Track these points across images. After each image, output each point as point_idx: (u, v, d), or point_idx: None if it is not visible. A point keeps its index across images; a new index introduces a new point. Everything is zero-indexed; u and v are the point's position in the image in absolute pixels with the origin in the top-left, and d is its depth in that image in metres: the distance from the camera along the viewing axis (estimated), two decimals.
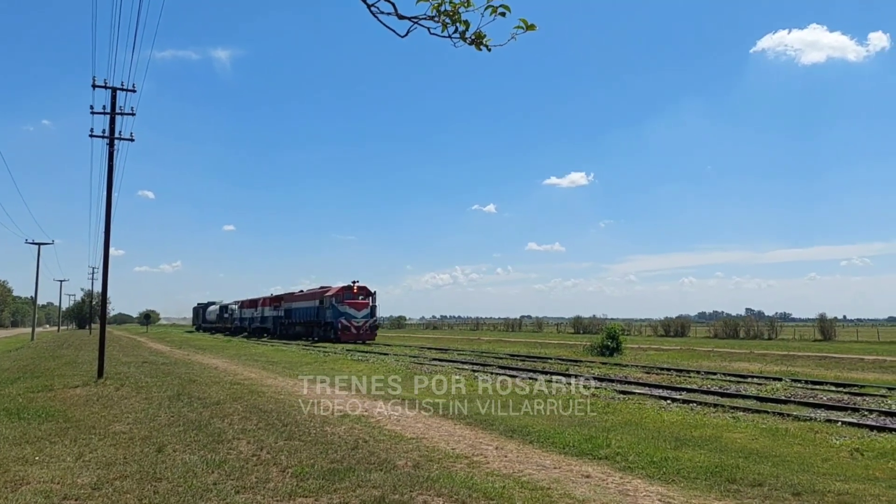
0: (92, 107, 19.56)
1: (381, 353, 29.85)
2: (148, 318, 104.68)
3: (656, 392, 15.23)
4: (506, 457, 8.32)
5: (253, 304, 68.07)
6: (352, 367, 22.22)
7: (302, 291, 55.86)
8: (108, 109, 19.56)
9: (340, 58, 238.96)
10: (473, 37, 3.83)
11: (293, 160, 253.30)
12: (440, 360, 25.75)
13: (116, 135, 19.69)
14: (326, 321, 46.09)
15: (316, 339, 47.43)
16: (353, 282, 46.42)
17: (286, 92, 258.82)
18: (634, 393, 14.84)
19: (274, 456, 8.28)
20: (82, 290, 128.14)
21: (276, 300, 60.44)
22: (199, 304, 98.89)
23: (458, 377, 18.24)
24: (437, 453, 8.44)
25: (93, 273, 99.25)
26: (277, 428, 10.30)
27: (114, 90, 19.47)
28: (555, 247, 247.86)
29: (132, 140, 20.17)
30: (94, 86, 19.27)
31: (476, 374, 19.64)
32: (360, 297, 45.78)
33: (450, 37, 3.83)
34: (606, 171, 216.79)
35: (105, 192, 19.66)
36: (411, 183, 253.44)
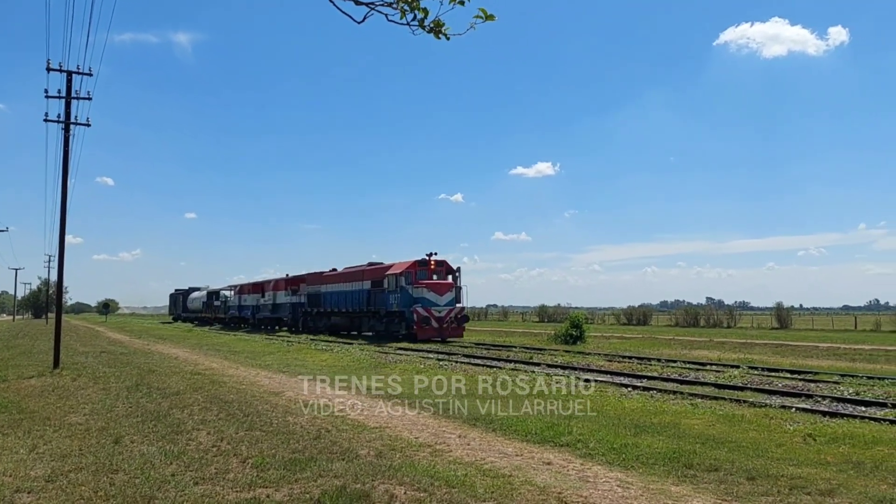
0: (47, 90, 19.03)
1: (346, 343, 29.71)
2: (107, 307, 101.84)
3: (618, 380, 15.43)
4: (469, 445, 8.36)
5: (258, 288, 53.33)
6: (316, 358, 22.09)
7: (335, 270, 41.72)
8: (64, 93, 19.03)
9: (305, 44, 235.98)
10: (432, 25, 3.81)
11: (256, 147, 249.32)
12: (406, 350, 25.74)
13: (72, 119, 19.18)
14: (391, 311, 32.65)
15: (369, 334, 35.17)
16: (430, 254, 32.59)
17: (249, 78, 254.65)
18: (596, 381, 15.02)
19: (234, 447, 8.19)
20: (39, 278, 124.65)
21: (293, 282, 46.62)
22: (177, 290, 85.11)
23: (422, 366, 18.26)
24: (400, 442, 8.45)
25: (49, 261, 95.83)
26: (238, 418, 10.20)
27: (69, 73, 18.95)
28: (521, 236, 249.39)
29: (88, 125, 19.70)
30: (48, 69, 18.73)
31: (441, 363, 19.68)
32: (440, 276, 32.54)
33: (408, 24, 3.80)
34: (573, 161, 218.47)
35: (61, 179, 19.18)
36: (378, 171, 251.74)
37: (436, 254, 32.42)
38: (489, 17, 3.71)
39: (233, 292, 60.29)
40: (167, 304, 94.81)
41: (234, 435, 8.92)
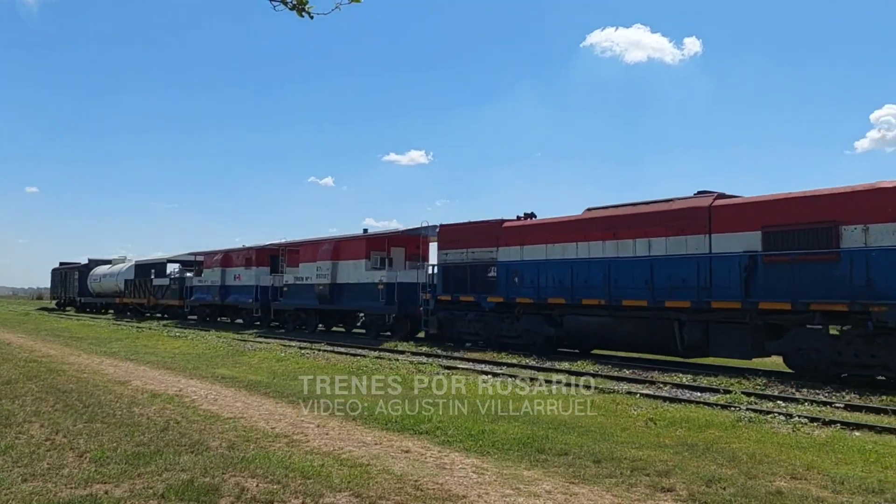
0: None
1: (202, 330, 28.45)
2: None
3: (479, 367, 15.78)
4: (327, 434, 8.22)
5: (261, 256, 31.55)
6: (168, 345, 20.99)
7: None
8: None
9: (162, 6, 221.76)
10: (295, 2, 3.69)
11: (105, 110, 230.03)
12: (267, 337, 25.02)
13: None
14: None
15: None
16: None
17: (98, 34, 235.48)
18: (459, 368, 15.29)
19: (71, 440, 7.61)
20: None
21: (375, 243, 25.21)
22: (64, 264, 59.67)
23: (282, 354, 17.81)
24: (256, 433, 8.17)
25: None
26: (77, 409, 9.49)
27: None
28: (392, 223, 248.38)
29: None
30: None
31: (303, 350, 19.29)
32: None
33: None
34: (445, 150, 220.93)
35: None
36: (241, 147, 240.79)
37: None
38: (354, 0, 3.64)
39: (199, 268, 36.72)
40: (30, 285, 74.62)
41: (72, 427, 8.29)
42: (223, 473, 6.30)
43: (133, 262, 45.64)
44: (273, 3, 3.66)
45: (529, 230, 19.35)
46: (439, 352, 18.93)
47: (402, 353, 19.08)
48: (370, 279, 24.31)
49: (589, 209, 18.34)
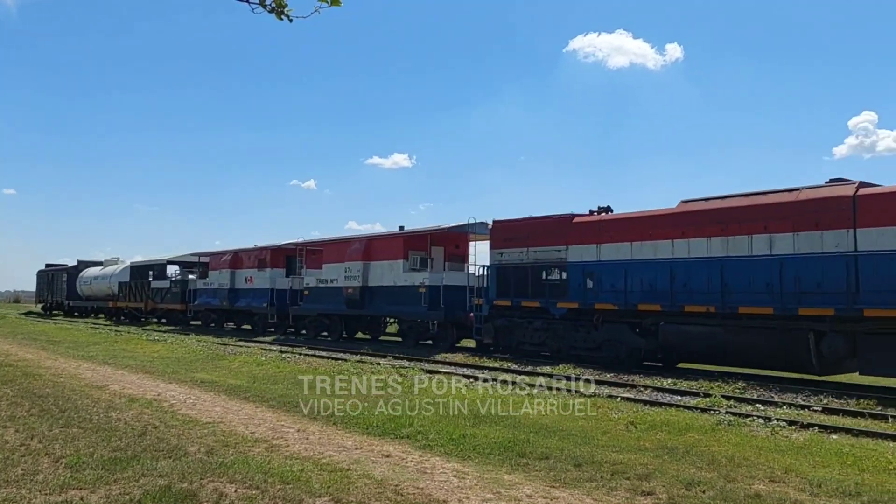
0: None
1: (182, 334, 28.18)
2: None
3: (461, 371, 15.77)
4: (307, 439, 8.17)
5: (276, 257, 29.43)
6: (147, 349, 20.78)
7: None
8: None
9: (145, 4, 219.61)
10: (274, 4, 3.67)
11: (85, 110, 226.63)
12: (246, 340, 24.86)
13: None
14: None
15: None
16: None
17: (79, 32, 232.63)
18: (440, 372, 15.26)
19: (46, 445, 7.51)
20: None
21: (414, 241, 22.69)
22: (49, 265, 56.58)
23: (263, 358, 17.69)
24: (235, 438, 8.10)
25: None
26: (53, 414, 9.37)
27: None
28: (375, 227, 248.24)
29: None
30: None
31: (284, 354, 19.17)
32: None
33: (248, 2, 3.64)
34: (429, 154, 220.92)
35: None
36: (223, 150, 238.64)
37: None
38: (335, 3, 3.62)
39: (207, 266, 34.00)
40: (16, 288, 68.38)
41: (48, 433, 8.19)
42: (201, 479, 6.23)
43: (128, 264, 42.61)
44: (251, 5, 3.62)
45: (608, 226, 16.86)
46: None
47: (384, 356, 18.91)
48: (410, 281, 21.88)
49: (685, 201, 16.06)
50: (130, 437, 7.93)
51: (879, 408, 10.70)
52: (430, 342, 21.85)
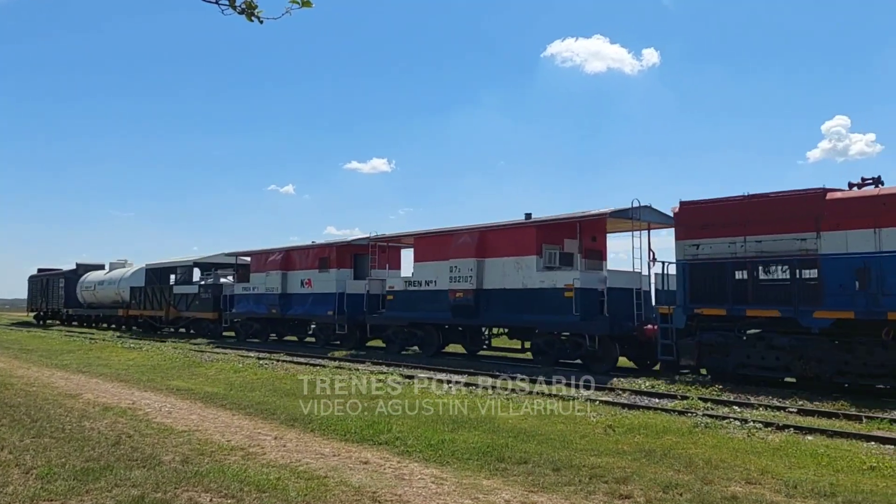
0: None
1: (158, 341, 27.80)
2: None
3: (440, 376, 15.73)
4: (284, 447, 8.09)
5: (342, 255, 24.34)
6: (122, 357, 20.48)
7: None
8: None
9: (112, 5, 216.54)
10: (244, 6, 3.63)
11: (56, 111, 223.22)
12: (223, 348, 24.60)
13: None
14: None
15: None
16: None
17: (45, 33, 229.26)
18: (420, 376, 15.22)
19: (17, 456, 7.37)
20: None
21: (548, 232, 17.99)
22: (43, 271, 50.31)
23: (240, 365, 17.52)
24: (211, 446, 8.00)
25: None
26: (24, 424, 9.20)
27: None
28: (354, 232, 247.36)
29: None
30: None
31: (261, 360, 18.98)
32: None
33: (217, 3, 3.60)
34: (408, 159, 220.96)
35: None
36: (199, 155, 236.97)
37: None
38: (305, 4, 3.60)
39: (248, 268, 29.01)
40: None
41: (18, 443, 8.03)
42: (176, 488, 6.14)
43: (143, 267, 36.48)
44: (221, 6, 3.58)
45: (893, 202, 12.07)
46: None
47: (363, 362, 18.74)
48: (548, 283, 17.19)
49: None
50: (104, 447, 7.80)
51: (853, 409, 10.84)
52: (577, 361, 17.25)
